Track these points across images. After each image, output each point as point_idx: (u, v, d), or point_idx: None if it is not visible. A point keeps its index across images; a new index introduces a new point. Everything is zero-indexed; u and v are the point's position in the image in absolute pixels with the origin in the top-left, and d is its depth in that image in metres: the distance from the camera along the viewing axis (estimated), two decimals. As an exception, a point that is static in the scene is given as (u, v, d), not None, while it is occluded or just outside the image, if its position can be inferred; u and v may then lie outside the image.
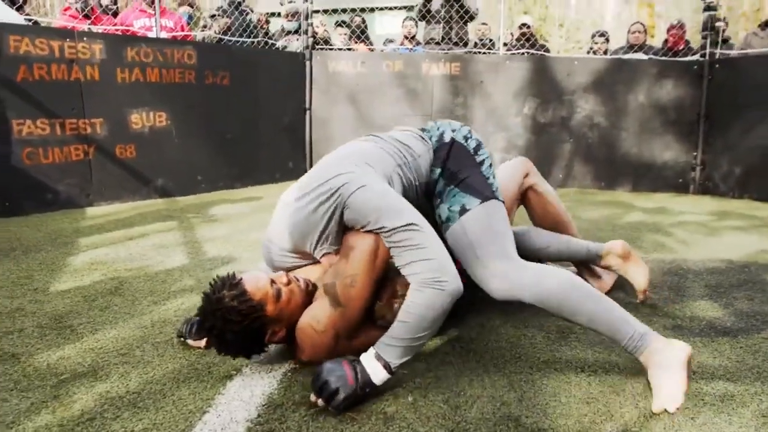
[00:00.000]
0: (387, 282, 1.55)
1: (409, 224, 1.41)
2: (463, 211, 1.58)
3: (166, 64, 4.24)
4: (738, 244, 2.96)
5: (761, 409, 1.35)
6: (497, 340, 1.75)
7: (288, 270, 1.61)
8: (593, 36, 6.01)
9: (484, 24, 7.03)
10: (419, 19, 5.92)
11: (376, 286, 1.51)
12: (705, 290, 2.23)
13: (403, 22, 6.29)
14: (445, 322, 1.48)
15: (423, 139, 1.75)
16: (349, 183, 1.47)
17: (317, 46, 5.55)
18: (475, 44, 6.33)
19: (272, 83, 5.10)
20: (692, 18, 8.45)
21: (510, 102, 5.28)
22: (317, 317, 1.46)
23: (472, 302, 1.84)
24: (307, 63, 5.38)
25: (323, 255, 1.57)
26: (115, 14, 5.11)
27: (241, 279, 1.42)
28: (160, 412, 1.31)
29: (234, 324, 1.37)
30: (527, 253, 1.98)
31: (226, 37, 5.24)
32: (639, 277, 2.01)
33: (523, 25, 5.95)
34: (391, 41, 6.82)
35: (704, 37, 5.00)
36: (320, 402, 1.32)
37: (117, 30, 4.57)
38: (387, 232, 1.42)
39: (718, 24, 5.06)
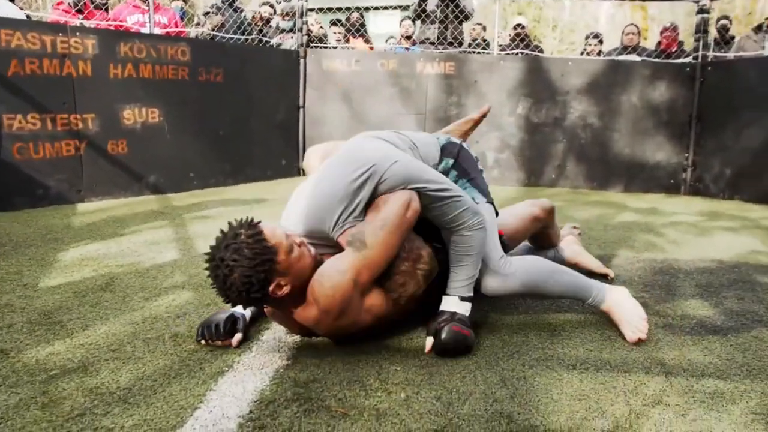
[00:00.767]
0: (412, 246, 1.56)
1: (447, 184, 1.61)
2: None
3: (159, 60, 4.22)
4: (728, 244, 2.98)
5: (750, 406, 1.36)
6: (489, 338, 1.75)
7: None
8: (587, 37, 6.04)
9: (478, 24, 7.05)
10: (414, 19, 5.93)
11: (401, 241, 1.53)
12: (696, 289, 2.24)
13: (401, 21, 6.30)
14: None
15: (426, 133, 1.93)
16: (384, 158, 1.57)
17: (311, 44, 5.54)
18: (469, 44, 6.34)
19: (266, 81, 5.08)
20: (685, 21, 8.51)
21: (504, 101, 5.29)
22: (338, 262, 1.48)
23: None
24: (302, 61, 5.37)
25: (342, 232, 1.55)
26: (108, 9, 5.08)
27: (259, 222, 1.46)
28: (151, 407, 1.30)
29: (244, 260, 1.37)
30: None
31: (219, 34, 5.22)
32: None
33: (518, 25, 5.97)
34: (392, 37, 6.82)
35: (697, 40, 5.03)
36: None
37: (110, 25, 4.54)
38: (431, 190, 1.56)
39: (722, 22, 5.10)
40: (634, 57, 5.39)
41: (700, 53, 4.99)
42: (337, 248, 1.57)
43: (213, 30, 5.31)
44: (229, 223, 1.46)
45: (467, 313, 1.64)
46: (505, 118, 5.32)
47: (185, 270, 2.37)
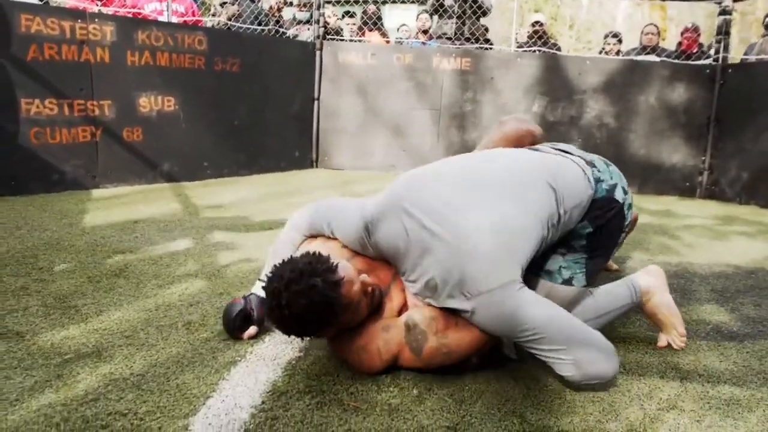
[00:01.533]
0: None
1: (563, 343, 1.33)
2: (567, 282, 1.55)
3: (176, 48, 4.23)
4: (744, 249, 2.94)
5: (767, 414, 1.34)
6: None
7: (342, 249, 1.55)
8: (606, 36, 5.97)
9: (481, 25, 6.99)
10: (432, 13, 5.89)
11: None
12: (711, 294, 2.22)
13: (418, 15, 6.26)
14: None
15: (589, 180, 1.53)
16: (503, 289, 1.31)
17: (328, 37, 5.52)
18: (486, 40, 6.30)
19: (282, 72, 5.08)
20: (704, 22, 8.39)
21: (520, 99, 5.25)
22: (389, 345, 1.40)
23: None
24: (317, 53, 5.36)
25: (415, 293, 1.44)
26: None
27: (337, 266, 1.33)
28: (164, 395, 1.30)
29: (309, 311, 1.27)
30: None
31: (237, 24, 5.21)
32: None
33: (536, 23, 5.92)
34: (404, 25, 6.77)
35: (718, 41, 4.96)
36: None
37: (128, 13, 4.55)
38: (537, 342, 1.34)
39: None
40: (653, 57, 5.32)
41: (720, 55, 4.92)
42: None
43: (229, 20, 5.30)
44: (303, 256, 1.34)
45: None
46: (520, 116, 5.27)
47: (198, 259, 2.37)
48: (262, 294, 1.43)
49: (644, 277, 1.67)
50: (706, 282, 2.37)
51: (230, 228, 2.94)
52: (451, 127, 5.39)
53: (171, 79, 4.23)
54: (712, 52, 5.06)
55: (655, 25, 5.80)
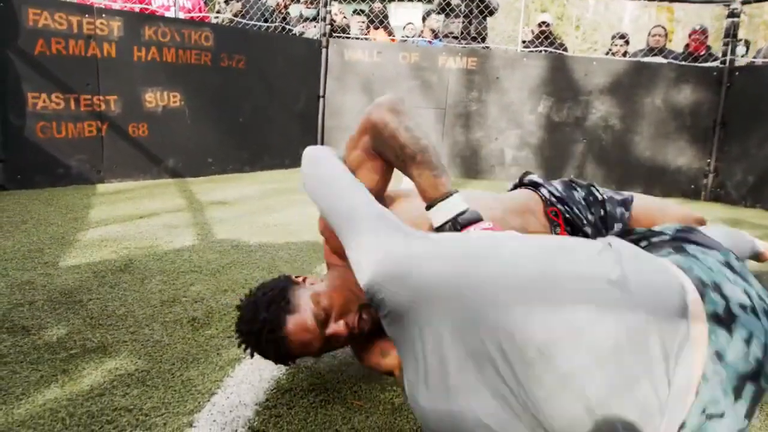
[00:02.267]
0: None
1: None
2: None
3: (182, 44, 4.23)
4: (750, 253, 2.93)
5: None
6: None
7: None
8: (613, 38, 5.96)
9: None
10: (438, 12, 5.88)
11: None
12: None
13: (428, 15, 6.25)
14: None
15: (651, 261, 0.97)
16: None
17: (334, 34, 5.52)
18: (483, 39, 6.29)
19: (287, 69, 5.08)
20: (711, 24, 8.35)
21: (525, 99, 5.24)
22: (385, 368, 1.27)
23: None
24: (323, 50, 5.36)
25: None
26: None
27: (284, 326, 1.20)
28: (169, 391, 1.31)
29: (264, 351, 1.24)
30: None
31: (243, 21, 5.21)
32: None
33: (543, 23, 5.90)
34: (410, 23, 6.76)
35: (726, 44, 4.94)
36: None
37: (135, 8, 4.56)
38: None
39: None
40: (660, 59, 5.30)
41: (728, 57, 4.90)
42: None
43: (235, 17, 5.30)
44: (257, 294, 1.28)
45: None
46: (525, 116, 5.27)
47: (202, 255, 2.38)
48: None
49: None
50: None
51: (234, 225, 2.94)
52: (456, 126, 5.38)
53: (177, 75, 4.24)
54: (726, 55, 5.02)
55: (663, 27, 5.78)
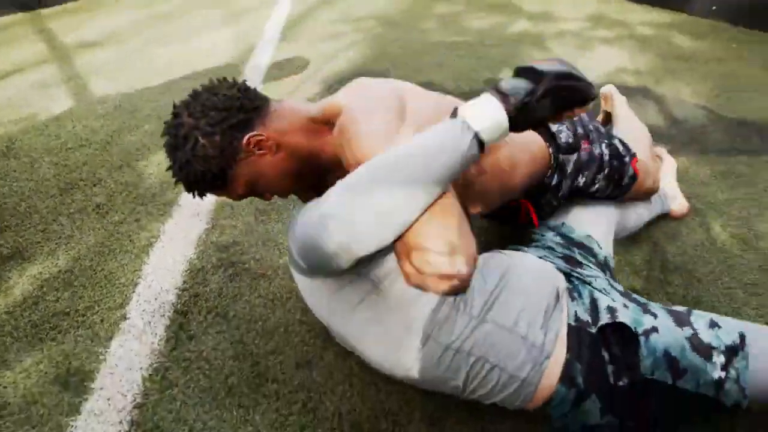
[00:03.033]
0: None
1: None
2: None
3: None
4: (601, 61, 3.27)
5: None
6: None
7: None
8: None
9: None
10: None
11: None
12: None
13: None
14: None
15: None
16: None
17: None
18: None
19: None
20: None
21: None
22: None
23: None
24: None
25: None
26: None
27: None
28: (96, 288, 1.54)
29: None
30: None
31: None
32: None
33: None
34: None
35: None
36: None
37: None
38: None
39: None
40: None
41: None
42: None
43: None
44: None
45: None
46: None
47: (85, 122, 2.36)
48: None
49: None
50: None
51: (113, 74, 2.82)
52: None
53: None
54: None
55: None
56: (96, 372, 1.30)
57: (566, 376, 1.01)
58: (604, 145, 1.43)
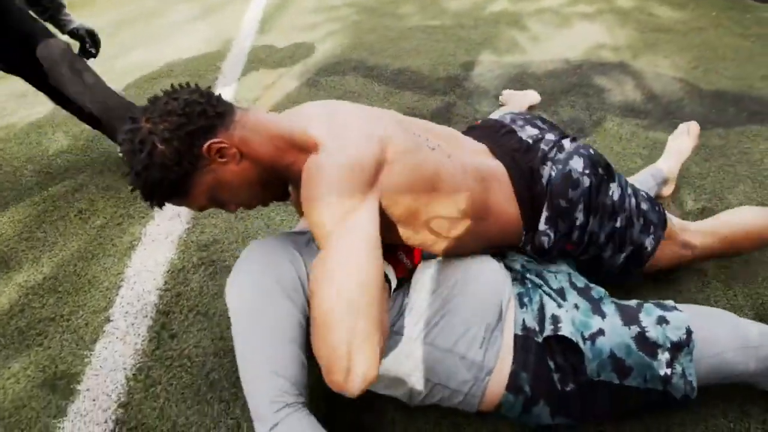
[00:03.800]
0: None
1: None
2: None
3: None
4: (581, 37, 3.27)
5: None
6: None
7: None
8: None
9: None
10: None
11: None
12: (542, 97, 2.59)
13: None
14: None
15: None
16: None
17: None
18: None
19: None
20: None
21: None
22: None
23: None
24: None
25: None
26: None
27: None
28: (80, 293, 1.58)
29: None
30: None
31: None
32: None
33: None
34: None
35: None
36: None
37: None
38: None
39: None
40: None
41: None
42: None
43: None
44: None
45: None
46: None
47: (66, 128, 2.39)
48: None
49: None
50: (539, 83, 2.73)
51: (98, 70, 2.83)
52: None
53: None
54: None
55: None
56: (82, 374, 1.35)
57: (513, 385, 1.05)
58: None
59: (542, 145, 1.26)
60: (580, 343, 1.04)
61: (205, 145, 1.00)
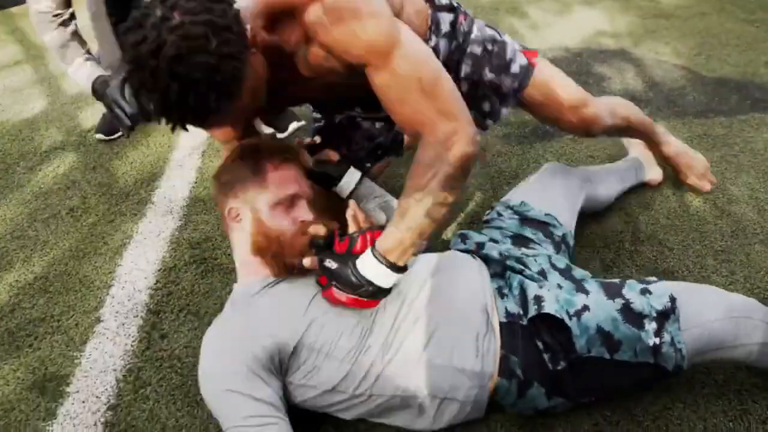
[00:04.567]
0: None
1: None
2: None
3: None
4: (581, 24, 3.21)
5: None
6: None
7: None
8: None
9: None
10: None
11: None
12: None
13: None
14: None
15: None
16: None
17: None
18: None
19: None
20: None
21: None
22: None
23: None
24: None
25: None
26: None
27: None
28: (71, 293, 1.56)
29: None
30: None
31: None
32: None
33: None
34: None
35: None
36: None
37: None
38: None
39: None
40: None
41: None
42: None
43: None
44: None
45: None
46: None
47: (59, 124, 2.36)
48: None
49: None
50: (538, 72, 2.68)
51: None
52: None
53: None
54: None
55: None
56: (71, 376, 1.33)
57: (505, 370, 1.04)
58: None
59: None
60: (566, 319, 1.03)
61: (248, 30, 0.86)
